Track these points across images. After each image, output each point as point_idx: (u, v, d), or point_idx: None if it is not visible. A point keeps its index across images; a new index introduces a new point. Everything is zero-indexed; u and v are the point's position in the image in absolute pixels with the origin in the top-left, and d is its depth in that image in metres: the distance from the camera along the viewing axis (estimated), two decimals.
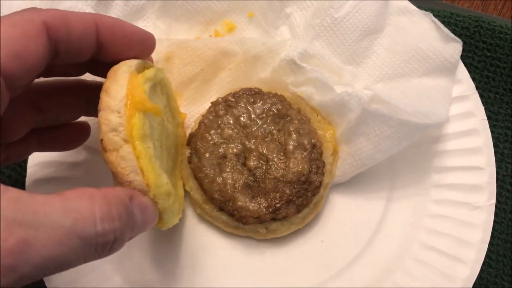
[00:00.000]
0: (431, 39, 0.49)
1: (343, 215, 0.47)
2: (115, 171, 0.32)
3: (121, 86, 0.33)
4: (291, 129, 0.45)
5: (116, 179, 0.33)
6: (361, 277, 0.45)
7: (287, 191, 0.43)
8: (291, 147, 0.44)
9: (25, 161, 0.47)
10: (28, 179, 0.47)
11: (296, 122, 0.45)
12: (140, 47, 0.37)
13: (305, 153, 0.44)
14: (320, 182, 0.44)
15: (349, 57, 0.50)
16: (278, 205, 0.43)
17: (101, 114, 0.32)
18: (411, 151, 0.47)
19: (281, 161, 0.44)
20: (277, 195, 0.43)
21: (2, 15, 0.45)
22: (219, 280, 0.45)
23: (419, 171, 0.48)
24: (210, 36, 0.52)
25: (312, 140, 0.44)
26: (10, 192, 0.25)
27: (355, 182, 0.47)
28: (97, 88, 0.34)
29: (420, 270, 0.44)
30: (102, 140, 0.32)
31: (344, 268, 0.46)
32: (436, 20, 0.49)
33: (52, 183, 0.47)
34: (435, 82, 0.49)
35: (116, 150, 0.32)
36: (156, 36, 0.51)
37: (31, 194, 0.26)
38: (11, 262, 0.24)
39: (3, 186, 0.25)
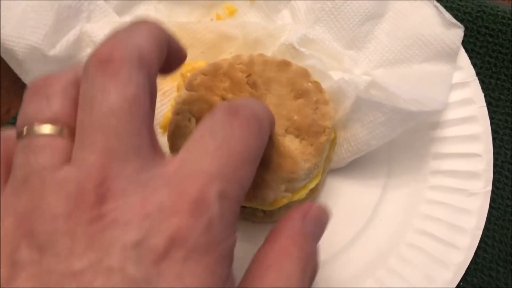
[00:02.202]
0: (432, 24, 0.48)
1: (340, 199, 0.48)
2: None
3: None
4: None
5: None
6: (356, 260, 0.46)
7: None
8: None
9: None
10: None
11: None
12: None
13: None
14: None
15: (349, 42, 0.50)
16: None
17: None
18: (409, 137, 0.47)
19: None
20: None
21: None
22: None
23: (416, 157, 0.48)
24: (212, 19, 0.52)
25: None
26: None
27: (352, 167, 0.48)
28: None
29: (414, 255, 0.45)
30: None
31: (339, 252, 0.46)
32: (438, 4, 0.49)
33: None
34: (436, 68, 0.48)
35: None
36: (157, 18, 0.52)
37: None
38: None
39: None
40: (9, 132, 0.27)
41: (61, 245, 0.21)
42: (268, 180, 0.39)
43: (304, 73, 0.42)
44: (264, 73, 0.41)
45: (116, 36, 0.26)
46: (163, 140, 0.44)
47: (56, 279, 0.20)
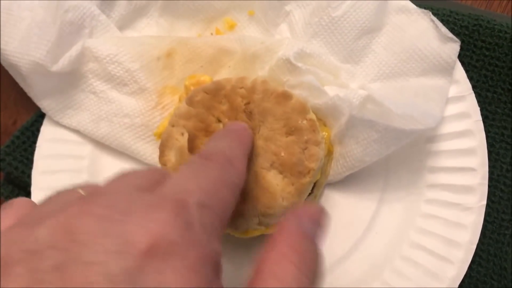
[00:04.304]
0: (429, 38, 0.49)
1: (337, 212, 0.48)
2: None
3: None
4: None
5: None
6: (351, 273, 0.46)
7: None
8: None
9: (32, 153, 0.50)
10: (35, 171, 0.50)
11: None
12: None
13: None
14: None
15: (346, 56, 0.50)
16: None
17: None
18: (406, 150, 0.47)
19: None
20: None
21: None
22: None
23: (412, 171, 0.48)
24: (211, 33, 0.53)
25: None
26: None
27: (349, 180, 0.48)
28: None
29: (409, 268, 0.45)
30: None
31: (335, 264, 0.47)
32: (434, 18, 0.49)
33: (58, 174, 0.50)
34: (432, 82, 0.49)
35: None
36: (158, 33, 0.53)
37: None
38: None
39: None
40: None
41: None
42: (243, 209, 0.40)
43: (302, 109, 0.42)
44: (262, 103, 0.42)
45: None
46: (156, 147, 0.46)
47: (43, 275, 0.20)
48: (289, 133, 0.41)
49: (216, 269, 0.25)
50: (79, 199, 0.24)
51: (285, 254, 0.27)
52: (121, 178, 0.28)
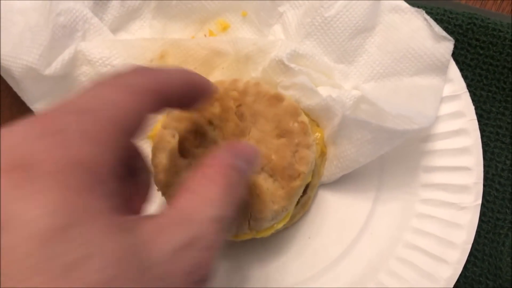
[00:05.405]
0: (422, 37, 0.49)
1: (331, 212, 0.48)
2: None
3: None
4: None
5: None
6: (346, 275, 0.46)
7: None
8: None
9: None
10: None
11: None
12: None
13: None
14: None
15: (340, 56, 0.50)
16: None
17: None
18: (400, 150, 0.47)
19: None
20: None
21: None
22: None
23: (407, 170, 0.48)
24: (205, 35, 0.53)
25: None
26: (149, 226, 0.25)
27: (343, 180, 0.48)
28: None
29: (404, 269, 0.45)
30: None
31: (330, 265, 0.47)
32: (428, 17, 0.49)
33: None
34: (426, 81, 0.49)
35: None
36: (151, 35, 0.53)
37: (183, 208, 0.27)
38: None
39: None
40: None
41: None
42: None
43: (293, 111, 0.42)
44: (254, 105, 0.42)
45: None
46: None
47: None
48: (280, 135, 0.41)
49: (93, 171, 0.24)
50: None
51: (213, 177, 0.29)
52: None
